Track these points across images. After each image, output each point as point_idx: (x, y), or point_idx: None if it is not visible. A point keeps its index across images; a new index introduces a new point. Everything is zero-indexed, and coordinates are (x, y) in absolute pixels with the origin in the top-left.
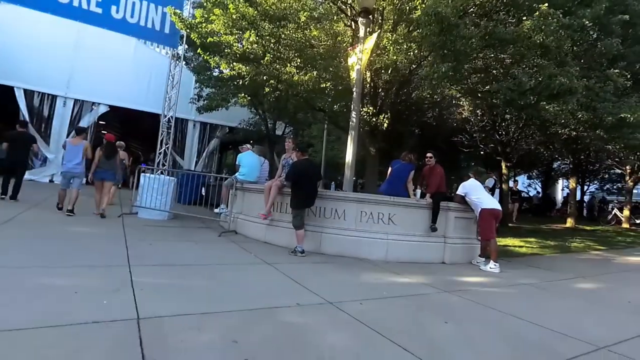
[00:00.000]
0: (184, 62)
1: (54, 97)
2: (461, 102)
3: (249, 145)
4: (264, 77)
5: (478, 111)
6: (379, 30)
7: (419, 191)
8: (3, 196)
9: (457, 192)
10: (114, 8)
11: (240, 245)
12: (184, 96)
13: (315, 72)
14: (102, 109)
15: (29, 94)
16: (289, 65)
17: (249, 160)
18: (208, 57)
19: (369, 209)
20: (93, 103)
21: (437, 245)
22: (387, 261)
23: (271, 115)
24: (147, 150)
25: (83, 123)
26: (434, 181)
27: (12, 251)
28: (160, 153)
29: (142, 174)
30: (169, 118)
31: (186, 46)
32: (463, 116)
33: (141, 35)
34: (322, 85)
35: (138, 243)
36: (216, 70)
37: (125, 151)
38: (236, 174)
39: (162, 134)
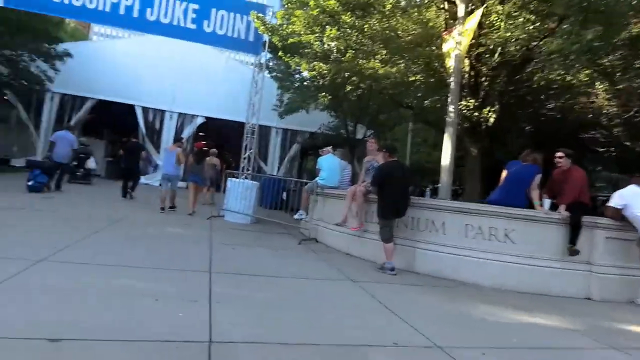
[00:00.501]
0: (266, 71)
1: (162, 112)
2: (594, 88)
3: (329, 148)
4: (346, 75)
5: (616, 100)
6: (484, 6)
7: (547, 201)
8: (124, 197)
9: (611, 204)
10: (205, 22)
11: (320, 256)
12: (267, 104)
13: (402, 64)
14: (200, 120)
15: (145, 110)
16: (372, 59)
17: (329, 164)
18: (288, 59)
19: (476, 222)
20: (192, 115)
21: (578, 274)
22: (500, 289)
23: (351, 118)
24: (238, 158)
25: (185, 134)
26: (572, 188)
27: (102, 249)
28: (244, 158)
29: (228, 179)
30: (252, 124)
31: (268, 53)
32: (596, 105)
33: (228, 45)
34: (410, 79)
35: (221, 247)
36: (297, 74)
37: (217, 157)
38: (316, 179)
39: (246, 139)
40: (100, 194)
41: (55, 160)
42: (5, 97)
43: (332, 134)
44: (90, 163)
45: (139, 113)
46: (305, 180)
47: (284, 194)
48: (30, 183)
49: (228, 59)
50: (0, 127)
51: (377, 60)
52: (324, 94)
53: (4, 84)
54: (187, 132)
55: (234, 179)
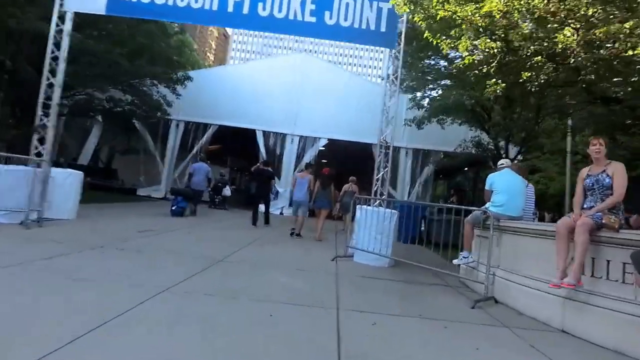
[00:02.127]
0: (398, 83)
1: (284, 136)
2: None
3: (507, 161)
4: (528, 51)
5: None
6: None
7: None
8: (254, 225)
9: None
10: (327, 14)
11: (521, 338)
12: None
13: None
14: (322, 143)
15: (266, 135)
16: (565, 28)
17: (508, 184)
18: (438, 41)
19: None
20: (315, 138)
21: None
22: None
23: (502, 132)
24: (363, 181)
25: (306, 157)
26: None
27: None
28: (377, 180)
29: (357, 207)
30: (385, 137)
31: (405, 46)
32: None
33: (355, 38)
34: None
35: (353, 317)
36: (433, 74)
37: (356, 185)
38: (487, 205)
39: (379, 155)
40: (234, 220)
41: (193, 189)
42: (134, 126)
43: (475, 153)
44: (226, 191)
45: (260, 138)
46: (466, 207)
47: (422, 225)
48: (173, 208)
49: (351, 77)
50: (130, 158)
51: (572, 27)
52: (494, 81)
53: (131, 113)
54: (309, 155)
55: (365, 207)
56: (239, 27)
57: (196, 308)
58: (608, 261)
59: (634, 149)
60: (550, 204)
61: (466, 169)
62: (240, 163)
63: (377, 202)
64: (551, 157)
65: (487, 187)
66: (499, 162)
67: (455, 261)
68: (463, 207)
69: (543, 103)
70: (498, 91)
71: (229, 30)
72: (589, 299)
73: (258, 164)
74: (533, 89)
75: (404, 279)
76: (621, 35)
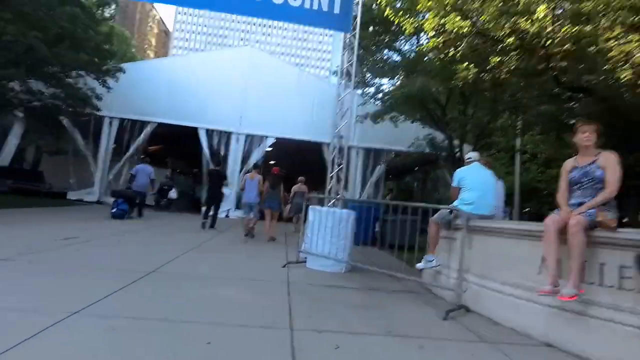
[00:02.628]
0: (353, 70)
1: (229, 135)
2: None
3: (474, 154)
4: (501, 31)
5: None
6: None
7: None
8: (203, 228)
9: None
10: None
11: (506, 355)
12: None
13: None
14: (269, 142)
15: (209, 133)
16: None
17: (477, 178)
18: (401, 19)
19: None
20: (262, 137)
21: None
22: None
23: (459, 130)
24: (312, 182)
25: (253, 157)
26: None
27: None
28: (331, 177)
29: (309, 208)
30: (339, 131)
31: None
32: None
33: (306, 19)
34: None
35: (312, 339)
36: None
37: (305, 185)
38: (455, 202)
39: (332, 151)
40: (181, 221)
41: (135, 190)
42: (61, 124)
43: (427, 152)
44: (172, 194)
45: (203, 136)
46: (427, 205)
47: (377, 226)
48: (114, 210)
49: (301, 74)
50: (59, 159)
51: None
52: (465, 65)
53: (55, 108)
54: (256, 155)
55: (318, 208)
56: (203, 7)
57: (109, 337)
58: (602, 265)
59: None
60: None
61: (416, 168)
62: (182, 164)
63: (332, 202)
64: (498, 156)
65: (454, 184)
66: (467, 156)
67: (418, 265)
68: (424, 205)
69: (500, 98)
70: (470, 77)
71: (170, 27)
72: (579, 308)
73: (214, 166)
74: (502, 77)
75: (364, 286)
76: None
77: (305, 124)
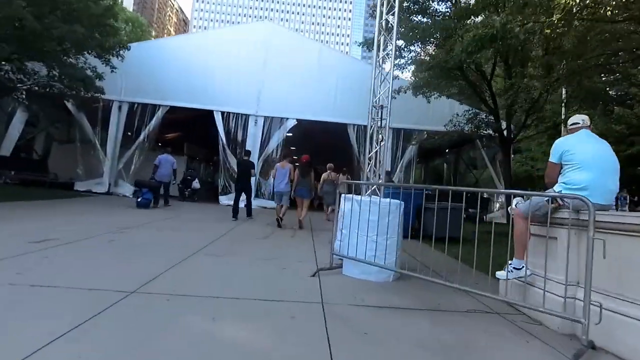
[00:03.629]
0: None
1: (246, 117)
2: None
3: (582, 118)
4: None
5: None
6: None
7: None
8: (234, 218)
9: None
10: None
11: None
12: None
13: None
14: (290, 124)
15: (225, 116)
16: None
17: (593, 152)
18: None
19: None
20: (282, 119)
21: None
22: None
23: (512, 96)
24: (337, 167)
25: (273, 142)
26: None
27: None
28: (369, 159)
29: (343, 197)
30: (378, 100)
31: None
32: None
33: None
34: None
35: None
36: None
37: (336, 172)
38: (556, 187)
39: (371, 126)
40: (204, 213)
41: (158, 180)
42: (67, 109)
43: (467, 132)
44: (195, 184)
45: (218, 120)
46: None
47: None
48: (139, 200)
49: (323, 49)
50: (66, 148)
51: None
52: None
53: (60, 92)
54: (276, 139)
55: (355, 197)
56: None
57: None
58: None
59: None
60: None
61: (447, 150)
62: (198, 151)
63: (372, 189)
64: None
65: (554, 159)
66: (571, 120)
67: (500, 274)
68: (481, 190)
69: (557, 63)
70: (571, 4)
71: (189, 15)
72: None
73: (242, 155)
74: (607, 11)
75: (426, 303)
76: None
77: (329, 104)
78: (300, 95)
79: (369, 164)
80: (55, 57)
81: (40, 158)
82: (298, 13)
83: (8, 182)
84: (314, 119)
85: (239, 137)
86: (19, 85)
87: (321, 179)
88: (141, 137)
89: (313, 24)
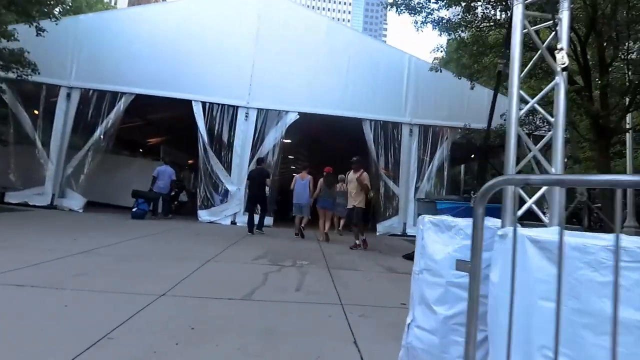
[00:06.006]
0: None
1: (234, 110)
2: None
3: None
4: None
5: None
6: None
7: None
8: (250, 233)
9: None
10: None
11: None
12: (392, 93)
13: None
14: (290, 119)
15: (207, 108)
16: None
17: None
18: None
19: None
20: (280, 112)
21: None
22: None
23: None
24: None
25: (268, 139)
26: None
27: None
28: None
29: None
30: None
31: None
32: None
33: None
34: None
35: None
36: None
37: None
38: None
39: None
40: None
41: (156, 192)
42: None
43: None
44: (182, 197)
45: (199, 112)
46: None
47: None
48: (134, 210)
49: (331, 25)
50: None
51: None
52: None
53: None
54: (272, 137)
55: (498, 230)
56: None
57: None
58: None
59: None
60: None
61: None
62: (179, 156)
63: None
64: None
65: None
66: None
67: None
68: None
69: None
70: None
71: None
72: None
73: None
74: None
75: None
76: None
77: (338, 95)
78: (302, 83)
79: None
80: None
81: None
82: None
83: None
84: (321, 112)
85: (225, 135)
86: None
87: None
88: (97, 133)
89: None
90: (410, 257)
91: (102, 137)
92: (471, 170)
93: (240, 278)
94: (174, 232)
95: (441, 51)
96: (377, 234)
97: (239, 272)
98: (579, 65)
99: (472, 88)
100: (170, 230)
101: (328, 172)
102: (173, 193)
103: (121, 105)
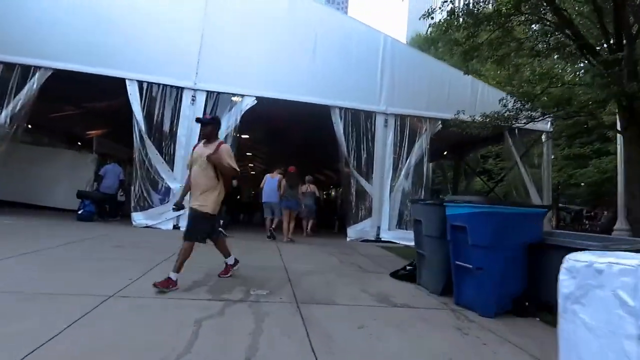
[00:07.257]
0: None
1: (178, 92)
2: None
3: None
4: None
5: None
6: None
7: None
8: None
9: None
10: None
11: None
12: (365, 78)
13: None
14: (247, 103)
15: (146, 89)
16: None
17: None
18: None
19: None
20: (233, 96)
21: None
22: None
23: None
24: (315, 165)
25: (223, 124)
26: None
27: None
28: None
29: None
30: None
31: None
32: None
33: None
34: None
35: None
36: None
37: (314, 184)
38: None
39: None
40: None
41: (103, 192)
42: None
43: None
44: (120, 197)
45: (134, 93)
46: None
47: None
48: (80, 212)
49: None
50: None
51: None
52: None
53: None
54: (225, 125)
55: None
56: None
57: None
58: None
59: None
60: None
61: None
62: (117, 149)
63: None
64: None
65: None
66: None
67: None
68: None
69: None
70: None
71: None
72: None
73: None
74: None
75: None
76: None
77: (303, 78)
78: (261, 62)
79: None
80: None
81: None
82: None
83: None
84: (283, 97)
85: (167, 122)
86: None
87: (299, 191)
88: (1, 117)
89: None
90: (399, 276)
91: (7, 121)
92: (441, 167)
93: (151, 336)
94: (88, 242)
95: (432, 17)
96: (348, 239)
97: (152, 321)
98: (604, 33)
99: (466, 73)
100: (84, 240)
101: (291, 172)
102: (122, 194)
103: (34, 82)
